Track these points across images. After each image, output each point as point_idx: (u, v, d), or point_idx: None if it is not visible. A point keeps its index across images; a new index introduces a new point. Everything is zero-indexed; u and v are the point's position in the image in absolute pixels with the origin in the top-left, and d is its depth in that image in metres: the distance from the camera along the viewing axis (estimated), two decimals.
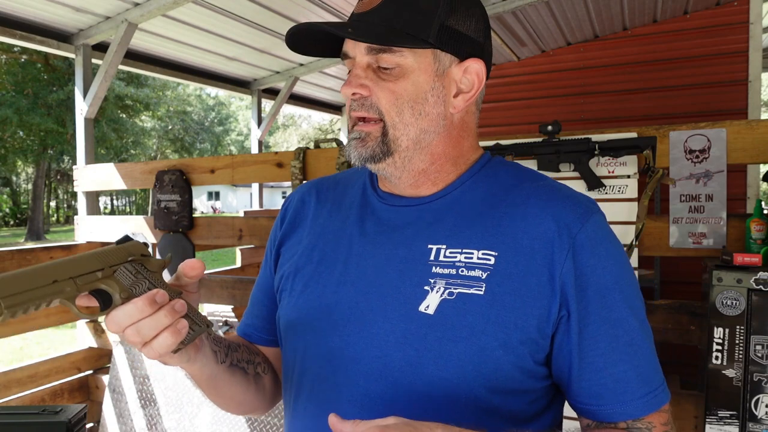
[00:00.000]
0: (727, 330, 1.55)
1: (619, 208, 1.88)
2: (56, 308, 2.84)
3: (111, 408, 2.75)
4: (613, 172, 1.91)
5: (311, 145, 6.67)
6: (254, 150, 4.66)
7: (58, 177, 25.73)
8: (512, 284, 0.69)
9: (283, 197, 18.53)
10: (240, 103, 30.17)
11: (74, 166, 3.08)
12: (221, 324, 2.85)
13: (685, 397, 1.78)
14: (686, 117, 3.84)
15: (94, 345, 3.01)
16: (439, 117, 0.76)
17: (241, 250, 4.02)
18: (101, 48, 3.14)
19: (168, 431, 2.52)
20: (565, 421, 0.80)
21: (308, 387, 0.77)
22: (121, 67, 3.21)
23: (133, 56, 3.53)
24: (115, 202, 36.71)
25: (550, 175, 1.99)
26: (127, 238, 0.69)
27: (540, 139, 1.98)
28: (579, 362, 0.69)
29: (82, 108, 3.04)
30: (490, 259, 0.70)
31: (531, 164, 2.02)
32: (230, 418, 2.37)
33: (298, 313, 0.79)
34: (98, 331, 3.01)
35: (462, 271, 0.71)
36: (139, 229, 2.80)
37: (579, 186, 1.94)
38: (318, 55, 0.82)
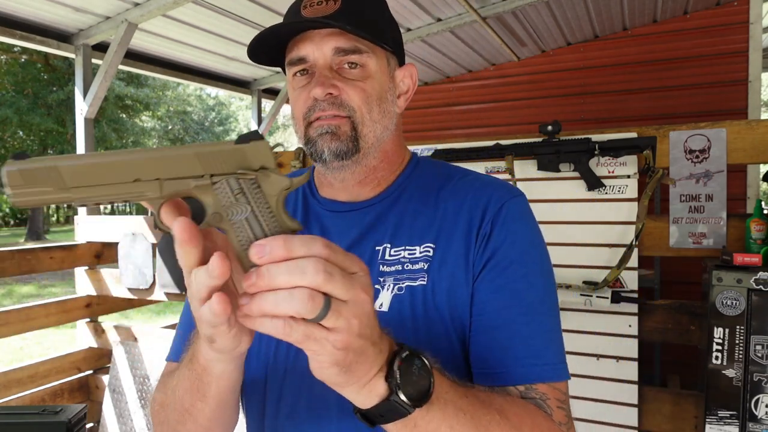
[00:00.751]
0: (727, 330, 1.55)
1: (619, 208, 1.88)
2: (56, 308, 2.84)
3: (111, 408, 2.75)
4: (613, 172, 1.91)
5: None
6: None
7: None
8: (448, 269, 0.74)
9: None
10: (240, 103, 30.18)
11: None
12: None
13: (685, 397, 1.78)
14: (686, 117, 3.84)
15: (94, 345, 3.01)
16: (392, 116, 0.81)
17: None
18: (101, 48, 3.14)
19: None
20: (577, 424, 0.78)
21: (288, 401, 0.77)
22: (121, 67, 3.20)
23: (133, 56, 3.53)
24: None
25: (551, 174, 1.99)
26: (254, 135, 0.51)
27: (540, 139, 1.98)
28: (472, 323, 0.73)
29: (82, 108, 3.04)
30: (429, 251, 0.76)
31: (531, 164, 2.02)
32: None
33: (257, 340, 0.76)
34: (98, 331, 3.01)
35: (407, 265, 0.76)
36: (139, 229, 2.80)
37: (579, 186, 1.94)
38: (267, 63, 0.86)
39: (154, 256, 2.75)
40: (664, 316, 1.83)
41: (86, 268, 2.99)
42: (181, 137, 27.51)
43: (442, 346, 0.71)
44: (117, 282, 2.89)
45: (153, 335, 2.81)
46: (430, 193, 0.81)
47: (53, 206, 29.99)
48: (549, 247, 0.80)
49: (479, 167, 2.03)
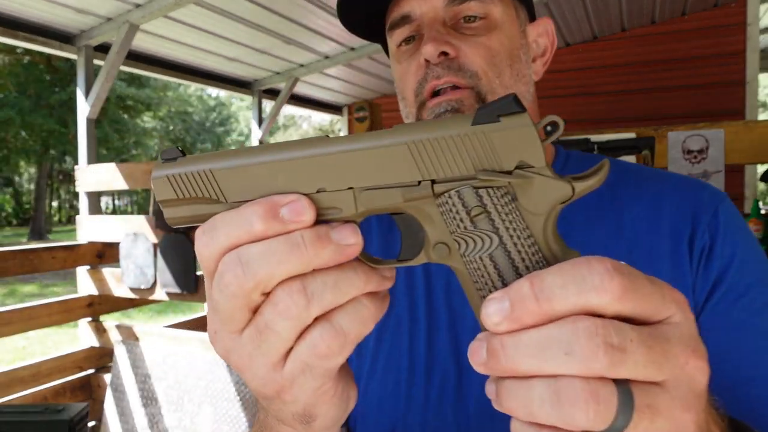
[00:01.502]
0: None
1: None
2: (58, 308, 2.86)
3: (113, 406, 2.76)
4: None
5: None
6: None
7: (60, 177, 25.78)
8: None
9: None
10: (241, 104, 30.19)
11: (76, 167, 3.10)
12: None
13: None
14: (684, 117, 3.85)
15: (96, 344, 3.03)
16: (528, 82, 0.63)
17: None
18: (103, 49, 3.16)
19: (169, 430, 2.54)
20: None
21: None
22: (122, 67, 3.22)
23: (135, 57, 3.55)
24: (116, 201, 36.78)
25: None
26: (504, 106, 0.31)
27: None
28: (711, 375, 0.53)
29: (84, 108, 3.05)
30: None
31: None
32: (231, 417, 2.39)
33: None
34: (100, 330, 3.02)
35: None
36: (141, 229, 2.82)
37: None
38: (364, 35, 0.68)
39: (155, 255, 2.77)
40: None
41: (88, 267, 3.01)
42: (182, 137, 27.54)
43: None
44: (118, 281, 2.91)
45: (154, 334, 2.82)
46: (602, 195, 0.61)
47: (55, 205, 29.88)
48: None
49: None
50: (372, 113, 5.26)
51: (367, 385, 0.60)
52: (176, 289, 2.70)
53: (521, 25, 0.63)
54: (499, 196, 0.30)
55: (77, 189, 3.07)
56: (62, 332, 6.83)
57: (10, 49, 14.28)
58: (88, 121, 3.07)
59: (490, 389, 0.29)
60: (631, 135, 1.89)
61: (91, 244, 3.00)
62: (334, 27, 3.59)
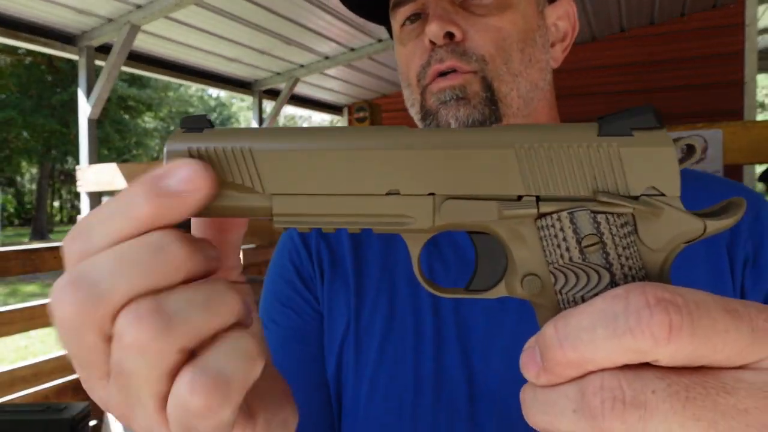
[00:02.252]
0: None
1: None
2: None
3: None
4: None
5: None
6: None
7: (62, 177, 25.81)
8: None
9: None
10: (241, 104, 30.19)
11: (77, 167, 3.11)
12: None
13: None
14: (683, 118, 3.86)
15: None
16: (544, 68, 0.57)
17: (242, 250, 4.05)
18: (104, 50, 3.17)
19: None
20: None
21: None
22: (123, 68, 3.24)
23: (136, 58, 3.56)
24: None
25: None
26: (652, 116, 0.26)
27: None
28: None
29: (85, 109, 3.07)
30: None
31: None
32: None
33: None
34: None
35: None
36: None
37: None
38: (364, 14, 0.64)
39: None
40: None
41: None
42: None
43: None
44: None
45: None
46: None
47: (56, 205, 29.95)
48: None
49: None
50: (372, 113, 5.27)
51: (367, 410, 0.54)
52: None
53: (539, 5, 0.57)
54: (618, 226, 0.25)
55: (79, 189, 3.09)
56: None
57: (12, 50, 14.31)
58: (90, 121, 3.08)
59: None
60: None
61: None
62: (335, 27, 3.60)
